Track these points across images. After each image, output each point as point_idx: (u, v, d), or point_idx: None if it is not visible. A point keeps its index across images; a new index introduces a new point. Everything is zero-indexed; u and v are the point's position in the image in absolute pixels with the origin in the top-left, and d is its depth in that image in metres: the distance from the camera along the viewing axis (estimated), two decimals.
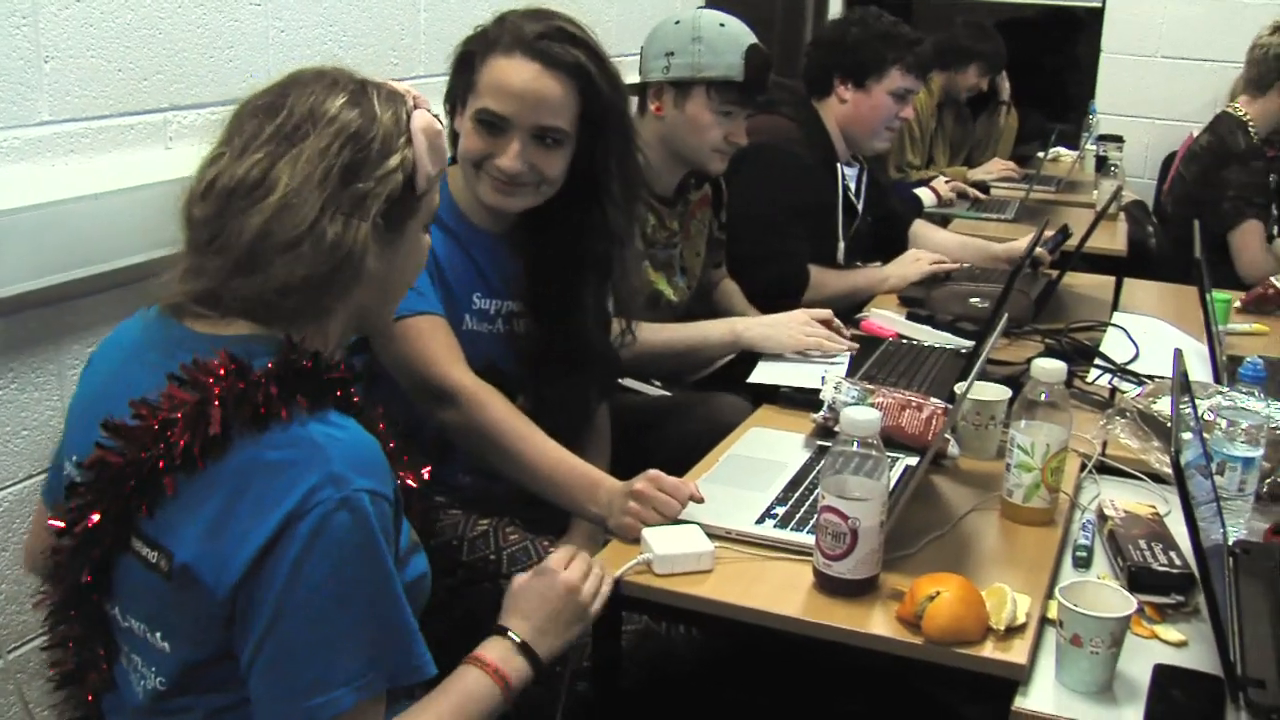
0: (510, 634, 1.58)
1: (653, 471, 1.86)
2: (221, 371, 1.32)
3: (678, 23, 2.67)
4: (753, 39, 2.67)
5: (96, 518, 1.36)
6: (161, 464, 1.31)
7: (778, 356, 2.61)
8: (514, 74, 1.98)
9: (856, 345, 2.66)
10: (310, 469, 1.28)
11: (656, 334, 2.62)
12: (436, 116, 1.50)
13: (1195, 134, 4.44)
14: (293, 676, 1.29)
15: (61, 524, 1.39)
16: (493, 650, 1.56)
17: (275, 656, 1.29)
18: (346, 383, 1.39)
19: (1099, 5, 5.57)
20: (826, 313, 2.73)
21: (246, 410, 1.30)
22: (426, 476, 1.57)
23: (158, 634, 1.37)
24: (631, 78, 2.90)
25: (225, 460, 1.30)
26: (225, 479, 1.30)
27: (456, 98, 2.07)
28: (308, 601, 1.27)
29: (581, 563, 1.68)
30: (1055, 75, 6.25)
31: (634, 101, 2.77)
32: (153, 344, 1.41)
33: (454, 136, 2.07)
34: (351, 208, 1.37)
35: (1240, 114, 4.20)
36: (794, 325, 2.65)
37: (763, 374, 2.49)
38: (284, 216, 1.33)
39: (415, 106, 1.47)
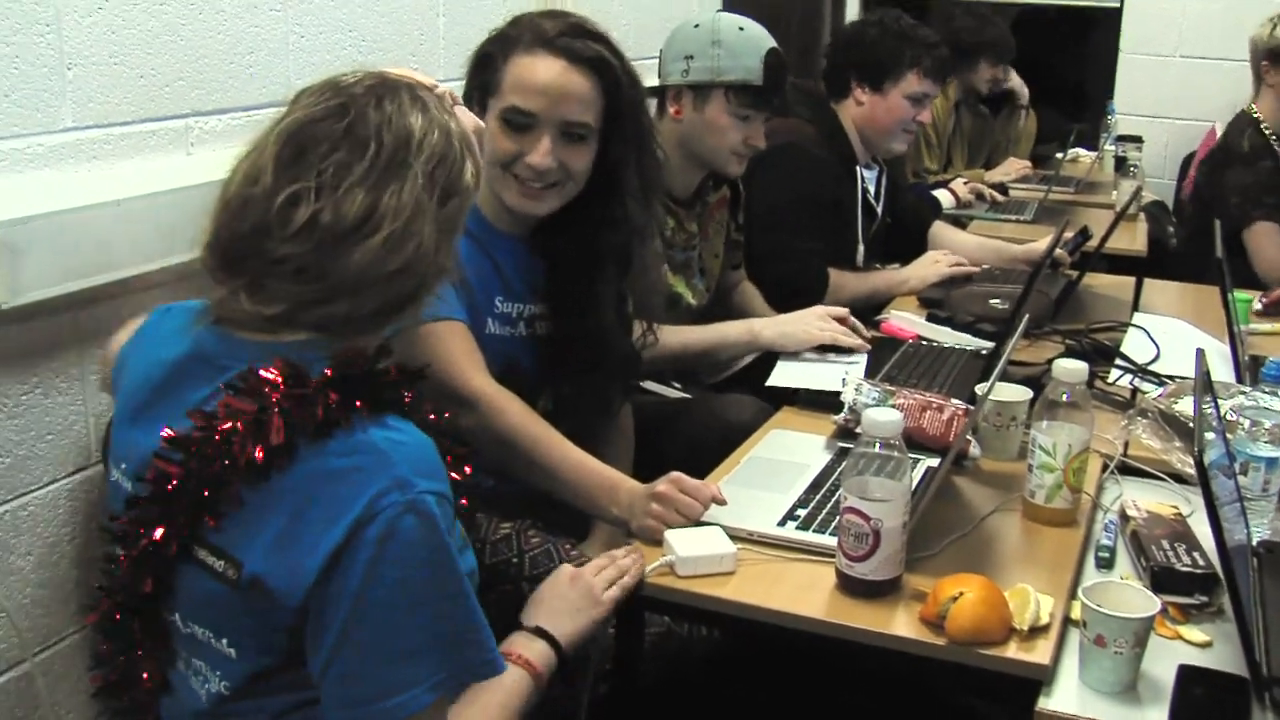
0: (524, 624, 1.64)
1: (675, 474, 1.87)
2: (280, 380, 1.32)
3: (697, 26, 2.68)
4: (771, 43, 2.67)
5: (160, 532, 1.36)
6: (227, 475, 1.31)
7: (794, 356, 2.61)
8: (540, 71, 1.99)
9: (869, 345, 2.66)
10: (375, 475, 1.29)
11: (675, 336, 2.62)
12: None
13: (1216, 129, 4.40)
14: (368, 680, 1.30)
15: (119, 534, 1.39)
16: (514, 643, 1.61)
17: (350, 661, 1.30)
18: (399, 385, 1.40)
19: (1117, 4, 5.55)
20: (843, 311, 2.73)
21: (309, 419, 1.31)
22: (469, 472, 1.58)
23: (224, 640, 1.37)
24: (649, 81, 2.91)
25: (291, 469, 1.31)
26: (292, 488, 1.31)
27: (475, 101, 2.07)
28: (380, 606, 1.28)
29: (600, 559, 1.72)
30: (1073, 75, 6.23)
31: (653, 104, 2.78)
32: (202, 354, 1.40)
33: None
34: (445, 225, 1.40)
35: (1253, 113, 4.18)
36: (809, 320, 2.66)
37: (781, 376, 2.49)
38: (394, 250, 1.34)
39: (455, 104, 1.50)
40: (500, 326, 2.11)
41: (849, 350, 2.64)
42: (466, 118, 1.52)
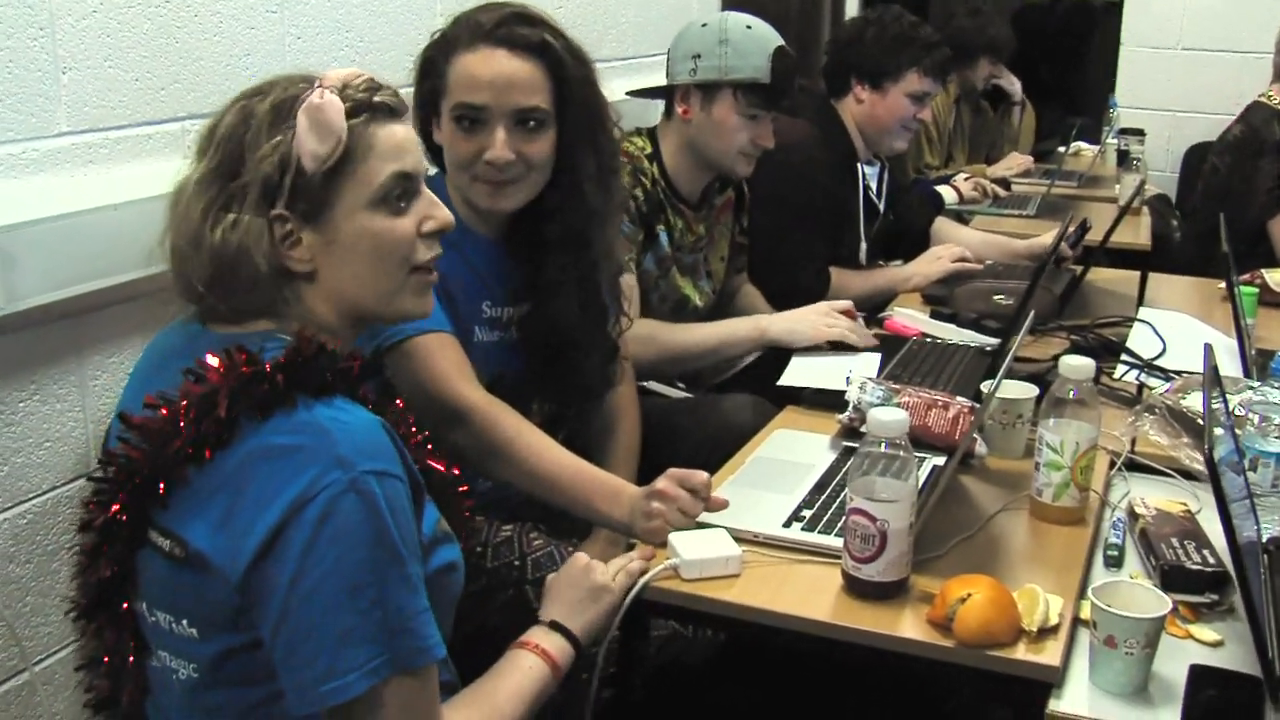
0: (540, 617, 1.66)
1: (673, 470, 1.85)
2: (230, 362, 1.35)
3: (704, 25, 2.66)
4: (779, 41, 2.66)
5: (115, 509, 1.39)
6: (175, 454, 1.34)
7: (807, 355, 2.59)
8: (482, 64, 1.98)
9: (876, 341, 2.65)
10: (316, 453, 1.30)
11: (685, 333, 2.62)
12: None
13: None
14: (307, 661, 1.30)
15: (84, 521, 1.43)
16: (531, 634, 1.64)
17: (290, 641, 1.31)
18: (354, 373, 1.41)
19: None
20: (847, 304, 2.73)
21: (252, 397, 1.33)
22: (456, 472, 1.60)
23: (184, 621, 1.38)
24: (649, 80, 2.90)
25: (233, 448, 1.33)
26: (233, 466, 1.32)
27: (428, 108, 2.05)
28: (318, 587, 1.29)
29: (617, 559, 1.74)
30: (1075, 69, 6.21)
31: (661, 105, 2.76)
32: (177, 349, 1.44)
33: (436, 149, 2.08)
34: (227, 203, 1.40)
35: (1274, 103, 4.14)
36: (817, 317, 2.65)
37: (793, 375, 2.47)
38: (179, 228, 1.41)
39: (314, 89, 1.43)
40: (489, 332, 2.10)
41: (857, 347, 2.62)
42: (309, 101, 1.41)
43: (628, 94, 2.85)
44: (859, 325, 2.69)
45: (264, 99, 1.43)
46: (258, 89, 1.45)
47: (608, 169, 2.09)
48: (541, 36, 2.00)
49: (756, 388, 2.57)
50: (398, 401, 1.51)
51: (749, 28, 2.64)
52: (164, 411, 1.35)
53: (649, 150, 2.68)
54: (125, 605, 1.44)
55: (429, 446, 1.53)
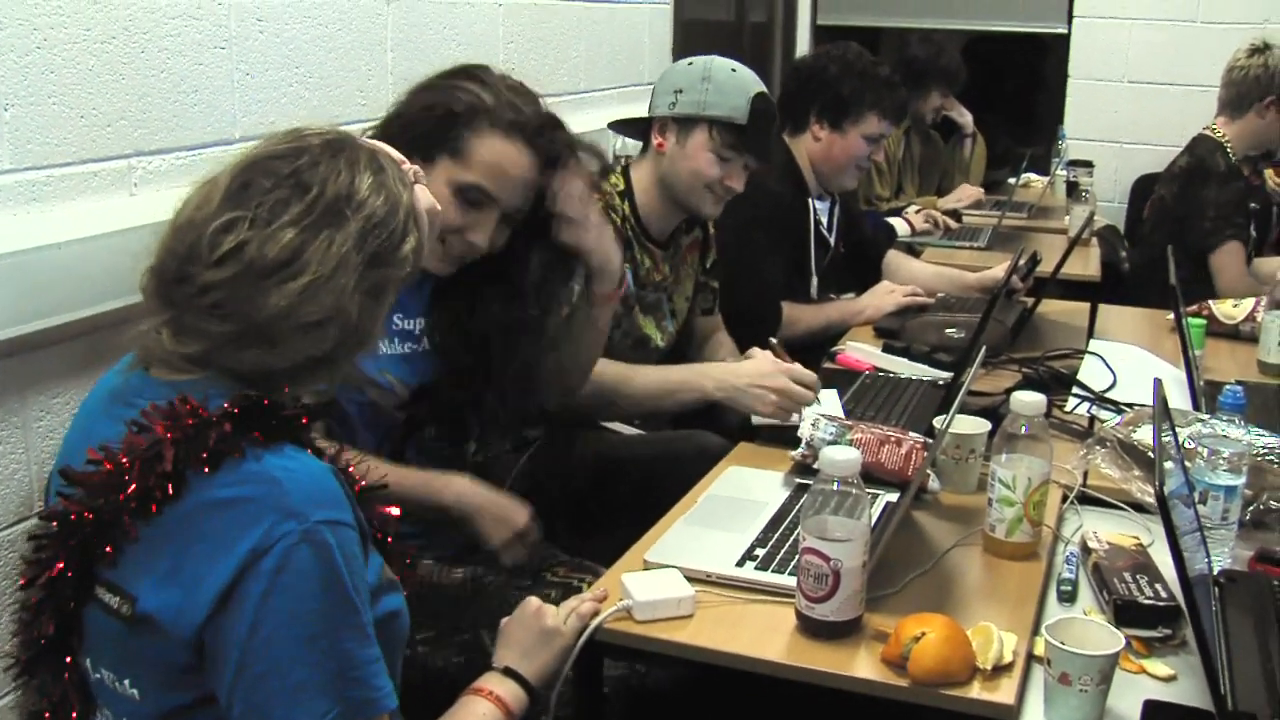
0: (494, 664, 1.65)
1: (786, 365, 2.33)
2: (175, 412, 1.32)
3: (690, 64, 2.71)
4: (761, 88, 2.68)
5: (60, 566, 1.36)
6: (120, 508, 1.31)
7: None
8: (516, 161, 1.98)
9: (814, 397, 2.47)
10: (268, 505, 1.29)
11: (627, 385, 2.55)
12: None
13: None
14: (262, 716, 1.29)
15: (26, 576, 1.40)
16: (485, 680, 1.63)
17: (248, 695, 1.29)
18: (302, 420, 1.40)
19: (1065, 31, 5.60)
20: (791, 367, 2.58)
21: (199, 449, 1.31)
22: (398, 513, 1.58)
23: (126, 681, 1.36)
24: (598, 114, 2.89)
25: (180, 502, 1.31)
26: (181, 521, 1.30)
27: (427, 150, 1.96)
28: (274, 639, 1.27)
29: (570, 601, 1.73)
30: (1024, 101, 6.27)
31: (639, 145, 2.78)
32: (118, 395, 1.42)
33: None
34: (372, 290, 1.41)
35: (1218, 135, 4.20)
36: (762, 390, 2.44)
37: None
38: (312, 299, 1.35)
39: (415, 181, 1.53)
40: (401, 345, 2.07)
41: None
42: (424, 197, 1.54)
43: (610, 125, 2.86)
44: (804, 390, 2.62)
45: (390, 179, 1.45)
46: (358, 151, 1.45)
47: (546, 290, 2.12)
48: (559, 150, 2.04)
49: (711, 423, 2.55)
50: (344, 449, 1.49)
51: (734, 70, 2.68)
52: (107, 465, 1.32)
53: (621, 187, 2.68)
54: (69, 660, 1.41)
55: (374, 492, 1.52)
